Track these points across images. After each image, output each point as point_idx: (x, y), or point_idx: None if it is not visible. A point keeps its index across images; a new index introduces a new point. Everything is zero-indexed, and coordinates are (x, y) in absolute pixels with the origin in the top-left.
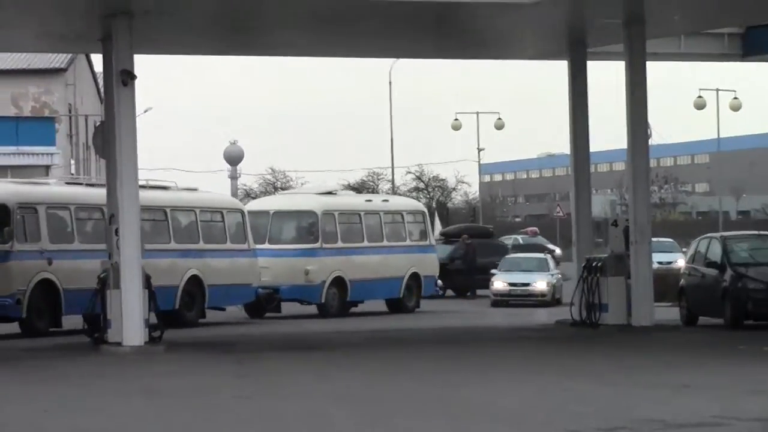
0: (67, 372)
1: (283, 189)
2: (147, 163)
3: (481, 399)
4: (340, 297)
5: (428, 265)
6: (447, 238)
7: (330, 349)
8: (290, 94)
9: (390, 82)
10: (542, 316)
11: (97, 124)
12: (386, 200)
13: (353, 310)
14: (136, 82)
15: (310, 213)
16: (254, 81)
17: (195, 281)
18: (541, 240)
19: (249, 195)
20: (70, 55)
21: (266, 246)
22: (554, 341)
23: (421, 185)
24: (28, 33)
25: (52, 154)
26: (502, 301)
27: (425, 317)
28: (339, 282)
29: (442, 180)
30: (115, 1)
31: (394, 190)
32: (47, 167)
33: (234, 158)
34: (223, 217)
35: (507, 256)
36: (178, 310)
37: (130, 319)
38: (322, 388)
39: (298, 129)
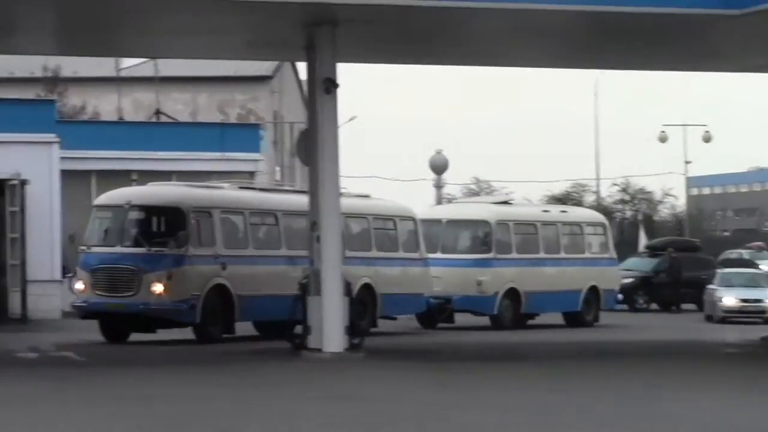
0: (268, 377)
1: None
2: (351, 170)
3: (676, 414)
4: (514, 309)
5: (608, 278)
6: (652, 251)
7: (530, 360)
8: (495, 103)
9: (596, 94)
10: (735, 332)
11: (300, 132)
12: (564, 211)
13: (530, 322)
14: (339, 90)
15: (484, 222)
16: (461, 90)
17: (367, 290)
18: (766, 255)
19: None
20: (276, 63)
21: (438, 255)
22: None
23: (627, 197)
24: (236, 40)
25: (256, 160)
26: (733, 317)
27: (608, 331)
28: (513, 293)
29: (648, 192)
30: (319, 10)
31: (599, 202)
32: (251, 173)
33: (439, 167)
34: (395, 224)
35: (723, 271)
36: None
37: (330, 326)
38: (521, 399)
39: (503, 139)
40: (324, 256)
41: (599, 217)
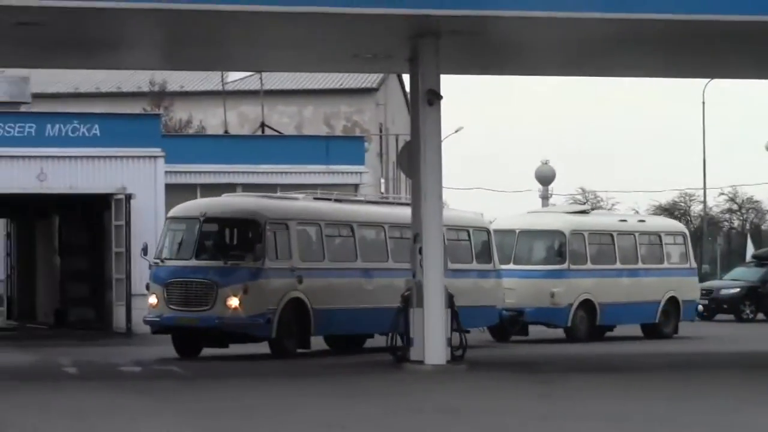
0: (368, 389)
1: (593, 209)
2: (456, 181)
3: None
4: (589, 321)
5: (688, 288)
6: (759, 260)
7: (624, 370)
8: (602, 114)
9: (703, 102)
10: None
11: (403, 144)
12: (642, 220)
13: (608, 334)
14: (444, 101)
15: (558, 233)
16: (567, 101)
17: None
18: None
19: None
20: (381, 76)
21: (511, 266)
22: None
23: (735, 207)
24: (341, 53)
25: (361, 173)
26: None
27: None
28: (588, 305)
29: (757, 202)
30: (423, 22)
31: (706, 212)
32: (356, 186)
33: (545, 178)
34: (469, 235)
35: None
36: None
37: (432, 338)
38: (624, 412)
39: (609, 150)
40: (426, 267)
41: (679, 226)
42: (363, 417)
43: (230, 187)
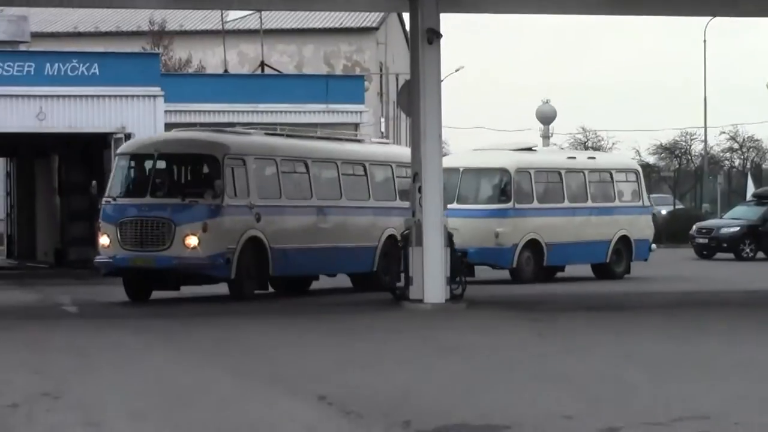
0: (370, 328)
1: (594, 148)
2: (455, 121)
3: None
4: (536, 261)
5: (641, 227)
6: (759, 199)
7: (623, 309)
8: (601, 54)
9: (704, 41)
10: None
11: (403, 83)
12: (593, 157)
13: (559, 274)
14: (444, 41)
15: (503, 171)
16: (565, 41)
17: (392, 241)
18: None
19: None
20: (381, 15)
21: (455, 206)
22: None
23: (735, 146)
24: None
25: (360, 112)
26: None
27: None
28: (534, 245)
29: (757, 141)
30: None
31: (707, 151)
32: (356, 125)
33: (546, 117)
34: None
35: None
36: (376, 272)
37: (431, 277)
38: (620, 349)
39: (609, 89)
40: (426, 207)
41: (631, 163)
42: (366, 355)
43: (230, 127)
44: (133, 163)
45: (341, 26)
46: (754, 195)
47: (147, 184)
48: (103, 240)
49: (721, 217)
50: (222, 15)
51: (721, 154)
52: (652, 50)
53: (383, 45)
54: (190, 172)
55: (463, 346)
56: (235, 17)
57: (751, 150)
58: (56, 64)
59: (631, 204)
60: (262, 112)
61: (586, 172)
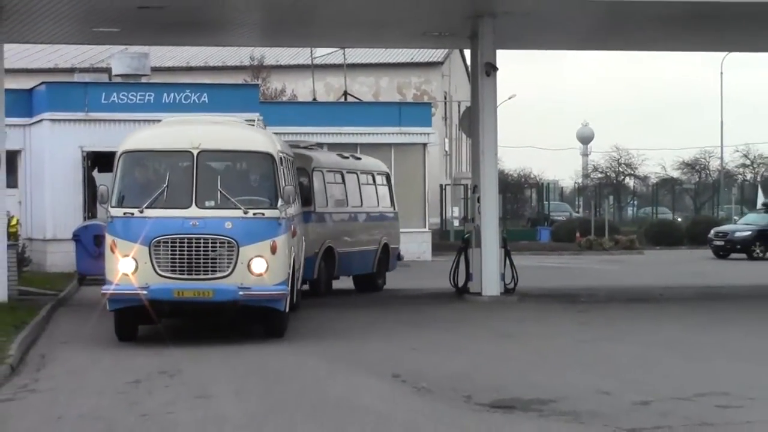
0: (435, 317)
1: (626, 165)
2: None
3: None
4: (329, 272)
5: (395, 234)
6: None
7: (657, 301)
8: (637, 81)
9: (721, 73)
10: None
11: (465, 109)
12: (359, 158)
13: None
14: (499, 73)
15: (302, 170)
16: (607, 70)
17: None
18: None
19: (596, 169)
20: (446, 51)
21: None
22: None
23: (747, 162)
24: (412, 31)
25: (428, 133)
26: None
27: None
28: (329, 254)
29: (767, 157)
30: (481, 3)
31: (723, 166)
32: (424, 145)
33: (585, 138)
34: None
35: None
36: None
37: (489, 273)
38: (651, 336)
39: (642, 112)
40: (484, 214)
41: (383, 165)
42: (434, 340)
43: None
44: (158, 164)
45: (412, 61)
46: (764, 204)
47: (189, 190)
48: (125, 265)
49: (735, 223)
50: (311, 51)
51: (735, 169)
52: (675, 78)
53: (447, 77)
54: (244, 175)
55: (516, 333)
56: (323, 53)
57: (761, 165)
58: (172, 94)
59: (388, 210)
60: (345, 134)
61: (358, 173)
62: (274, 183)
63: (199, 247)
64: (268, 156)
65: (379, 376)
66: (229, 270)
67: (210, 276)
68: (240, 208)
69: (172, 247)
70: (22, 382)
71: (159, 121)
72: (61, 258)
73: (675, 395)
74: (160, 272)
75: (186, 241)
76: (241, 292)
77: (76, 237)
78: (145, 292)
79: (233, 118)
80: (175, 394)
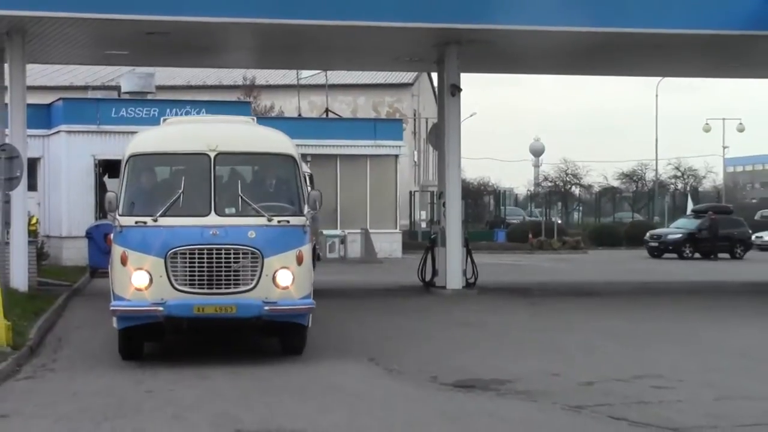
0: (404, 307)
1: (573, 175)
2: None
3: (715, 337)
4: None
5: None
6: (697, 213)
7: (600, 295)
8: (584, 101)
9: (656, 95)
10: None
11: (432, 125)
12: None
13: None
14: (462, 94)
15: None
16: (558, 90)
17: None
18: None
19: (546, 179)
20: (416, 74)
21: None
22: None
23: (678, 173)
24: (386, 57)
25: (399, 146)
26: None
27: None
28: None
29: (695, 170)
30: (448, 33)
31: (657, 177)
32: (396, 156)
33: (537, 151)
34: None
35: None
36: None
37: (452, 269)
38: (595, 326)
39: (587, 129)
40: (448, 217)
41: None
42: (404, 327)
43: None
44: (171, 168)
45: (386, 82)
46: (693, 210)
47: (207, 197)
48: (138, 279)
49: (667, 227)
50: (297, 73)
51: (668, 180)
52: (617, 99)
53: (417, 96)
54: (264, 179)
55: (476, 322)
56: (308, 75)
57: (690, 177)
58: (174, 109)
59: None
60: (326, 146)
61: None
62: (297, 188)
63: (221, 258)
64: (290, 158)
65: (356, 360)
66: (253, 283)
67: (232, 290)
68: (263, 216)
69: (190, 258)
70: (41, 362)
71: None
72: (75, 253)
73: (615, 377)
74: (177, 286)
75: (206, 252)
76: (266, 307)
77: (89, 234)
78: (161, 308)
79: (243, 117)
80: (178, 375)
